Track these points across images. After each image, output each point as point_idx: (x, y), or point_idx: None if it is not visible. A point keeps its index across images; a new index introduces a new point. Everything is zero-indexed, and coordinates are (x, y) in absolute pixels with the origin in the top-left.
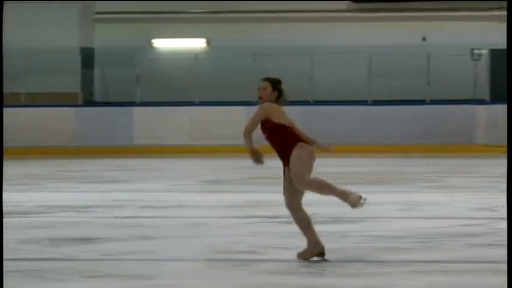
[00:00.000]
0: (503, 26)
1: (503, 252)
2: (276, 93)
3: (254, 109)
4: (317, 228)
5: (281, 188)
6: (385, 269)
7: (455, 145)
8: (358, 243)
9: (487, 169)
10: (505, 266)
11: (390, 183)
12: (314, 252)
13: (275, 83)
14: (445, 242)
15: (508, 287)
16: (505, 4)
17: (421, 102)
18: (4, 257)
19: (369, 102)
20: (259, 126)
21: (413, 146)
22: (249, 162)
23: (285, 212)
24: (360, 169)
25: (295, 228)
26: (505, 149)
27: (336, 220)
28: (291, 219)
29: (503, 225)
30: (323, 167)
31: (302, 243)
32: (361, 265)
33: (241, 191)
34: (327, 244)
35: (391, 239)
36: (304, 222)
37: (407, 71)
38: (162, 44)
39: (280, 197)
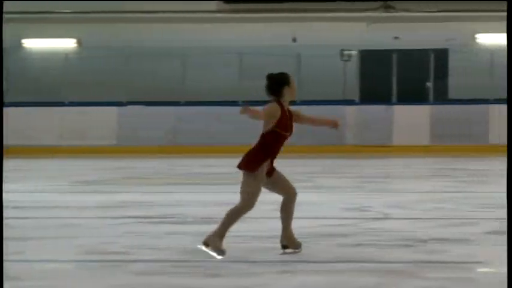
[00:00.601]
0: (372, 28)
1: (375, 252)
2: None
3: (128, 109)
4: (189, 228)
5: (150, 189)
6: (257, 269)
7: (326, 145)
8: (230, 243)
9: (357, 169)
10: (377, 266)
11: None
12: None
13: None
14: (317, 242)
15: (508, 287)
16: (373, 5)
17: (292, 102)
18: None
19: (240, 102)
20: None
21: (285, 146)
22: (120, 162)
23: (157, 212)
24: (234, 169)
25: (166, 228)
26: (375, 148)
27: (208, 220)
28: (164, 219)
29: (374, 225)
30: (208, 168)
31: (174, 243)
32: (233, 265)
33: (112, 192)
34: (198, 244)
35: (264, 239)
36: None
37: (278, 71)
38: (32, 44)
39: (151, 198)
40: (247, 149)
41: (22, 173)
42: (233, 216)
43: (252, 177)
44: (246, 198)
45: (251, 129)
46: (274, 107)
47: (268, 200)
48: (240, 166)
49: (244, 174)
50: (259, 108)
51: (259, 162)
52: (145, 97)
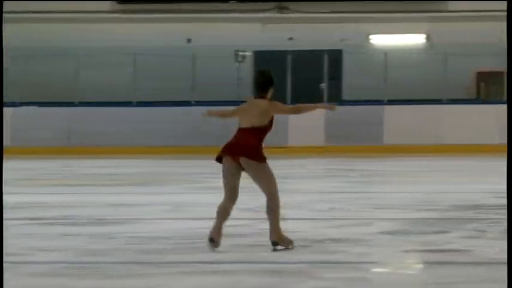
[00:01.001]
0: (267, 29)
1: (271, 252)
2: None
3: (21, 110)
4: (83, 230)
5: (43, 190)
6: (152, 271)
7: (219, 146)
8: (124, 244)
9: None
10: (273, 266)
11: (156, 184)
12: None
13: None
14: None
15: (508, 287)
16: (267, 6)
17: (187, 103)
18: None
19: (134, 103)
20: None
21: (180, 147)
22: (12, 163)
23: (49, 213)
24: (128, 170)
25: (59, 230)
26: (271, 150)
27: (100, 222)
28: (57, 221)
29: (268, 225)
30: (102, 169)
31: (68, 244)
32: (128, 266)
33: (4, 193)
34: (92, 246)
35: (157, 240)
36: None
37: (173, 72)
38: None
39: (43, 199)
40: (143, 150)
41: None
42: (275, 208)
43: (262, 167)
44: (270, 182)
45: (147, 130)
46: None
47: (163, 201)
48: (249, 157)
49: (251, 167)
50: (228, 108)
51: (262, 152)
52: (39, 98)
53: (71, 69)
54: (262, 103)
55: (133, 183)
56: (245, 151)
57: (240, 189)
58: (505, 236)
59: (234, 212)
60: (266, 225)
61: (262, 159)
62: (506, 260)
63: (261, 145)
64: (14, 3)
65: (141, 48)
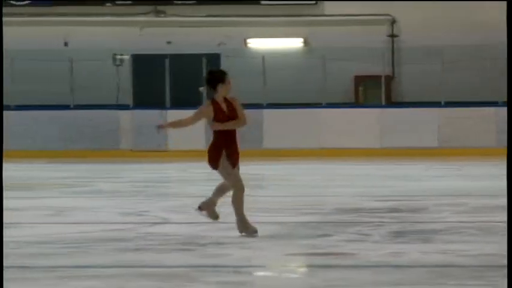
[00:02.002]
0: (145, 32)
1: (154, 256)
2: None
3: None
4: None
5: None
6: (32, 275)
7: (102, 150)
8: (5, 249)
9: (133, 174)
10: (156, 270)
11: (38, 189)
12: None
13: None
14: (93, 247)
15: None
16: (145, 9)
17: (66, 107)
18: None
19: (12, 107)
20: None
21: (61, 151)
22: None
23: None
24: (6, 174)
25: None
26: (151, 153)
27: None
28: None
29: (151, 229)
30: None
31: None
32: (8, 271)
33: None
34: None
35: (38, 245)
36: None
37: (51, 75)
38: None
39: None
40: (20, 153)
41: None
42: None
43: (221, 171)
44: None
45: (23, 133)
46: (203, 108)
47: (42, 205)
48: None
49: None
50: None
51: (218, 157)
52: None
53: None
54: (197, 111)
55: (12, 188)
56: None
57: (124, 194)
58: (388, 239)
59: (116, 217)
60: (151, 229)
61: (214, 166)
62: (390, 264)
63: (215, 149)
64: None
65: (18, 51)
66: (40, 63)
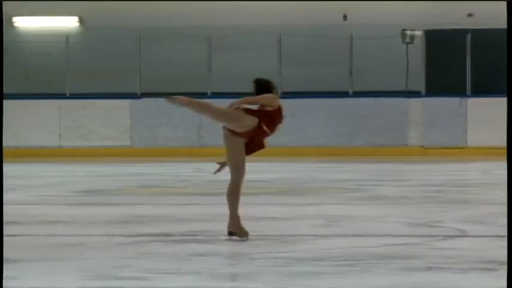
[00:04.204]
0: (440, 2)
1: (447, 276)
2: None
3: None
4: None
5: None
6: None
7: (386, 147)
8: (266, 266)
9: (424, 176)
10: None
11: (303, 193)
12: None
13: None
14: (375, 264)
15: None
16: None
17: (343, 94)
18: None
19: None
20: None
21: (338, 148)
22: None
23: (179, 229)
24: (273, 175)
25: (191, 248)
26: (444, 151)
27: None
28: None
29: (445, 244)
30: None
31: (198, 266)
32: None
33: (123, 204)
34: (226, 269)
35: (307, 262)
36: None
37: (325, 56)
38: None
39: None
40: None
41: (15, 181)
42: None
43: (232, 146)
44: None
45: None
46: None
47: (313, 213)
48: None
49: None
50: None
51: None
52: None
53: None
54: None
55: (274, 192)
56: None
57: (412, 200)
58: None
59: (401, 228)
60: (442, 245)
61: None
62: None
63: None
64: None
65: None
66: (313, 41)
